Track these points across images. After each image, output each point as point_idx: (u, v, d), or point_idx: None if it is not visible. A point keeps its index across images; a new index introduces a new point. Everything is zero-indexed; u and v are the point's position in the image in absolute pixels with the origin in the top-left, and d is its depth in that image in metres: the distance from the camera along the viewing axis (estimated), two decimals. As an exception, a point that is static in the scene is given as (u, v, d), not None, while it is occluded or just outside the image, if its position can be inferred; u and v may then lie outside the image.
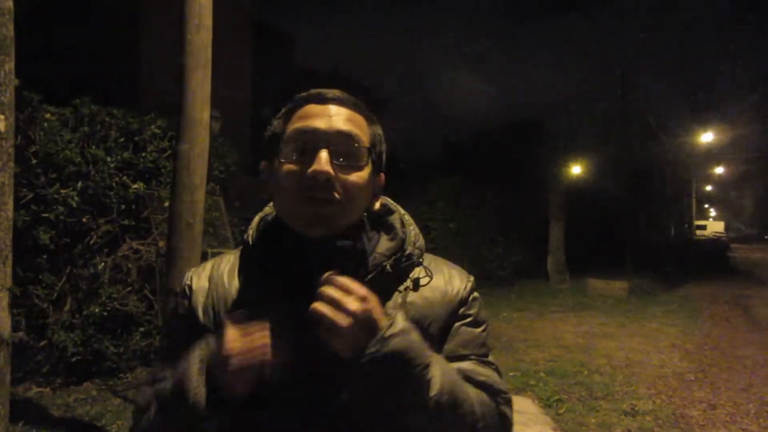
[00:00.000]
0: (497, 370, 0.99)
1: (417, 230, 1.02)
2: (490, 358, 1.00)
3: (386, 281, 0.93)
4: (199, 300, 0.99)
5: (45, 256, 4.90)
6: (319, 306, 0.77)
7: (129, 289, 5.38)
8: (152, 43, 11.01)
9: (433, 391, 0.81)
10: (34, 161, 4.80)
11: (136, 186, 5.38)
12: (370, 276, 0.91)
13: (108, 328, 5.19)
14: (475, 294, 1.03)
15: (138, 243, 5.44)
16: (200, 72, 3.26)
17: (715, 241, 30.00)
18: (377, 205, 0.99)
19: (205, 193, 3.37)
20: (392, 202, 1.06)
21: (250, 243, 0.99)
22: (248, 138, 13.31)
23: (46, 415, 4.27)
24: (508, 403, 0.97)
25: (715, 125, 22.43)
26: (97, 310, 5.05)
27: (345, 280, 0.80)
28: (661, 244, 20.00)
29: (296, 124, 0.91)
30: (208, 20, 3.29)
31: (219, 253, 4.68)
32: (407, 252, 0.97)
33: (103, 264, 5.22)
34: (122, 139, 5.45)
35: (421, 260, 0.99)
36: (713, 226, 47.00)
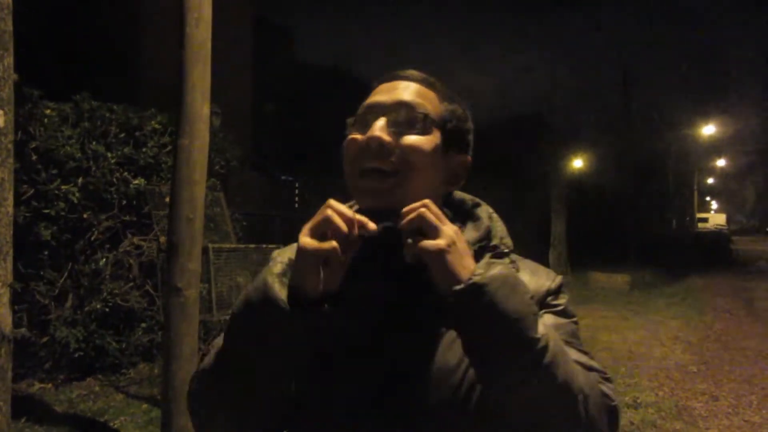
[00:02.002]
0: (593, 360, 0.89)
1: (504, 227, 0.97)
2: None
3: None
4: None
5: (46, 252, 4.91)
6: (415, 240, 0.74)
7: (130, 284, 5.38)
8: (152, 38, 10.99)
9: (539, 333, 0.72)
10: (34, 157, 4.80)
11: (136, 181, 5.38)
12: None
13: (110, 324, 5.20)
14: (563, 290, 0.97)
15: (139, 239, 5.44)
16: (200, 66, 3.24)
17: (717, 234, 29.97)
18: (466, 197, 0.98)
19: (205, 188, 3.36)
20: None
21: None
22: (249, 133, 13.26)
23: (49, 411, 4.28)
24: (608, 381, 0.86)
25: (716, 117, 22.33)
26: (98, 306, 5.05)
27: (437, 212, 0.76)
28: (663, 237, 19.98)
29: (365, 102, 0.92)
30: (207, 14, 3.27)
31: (220, 249, 4.61)
32: (492, 243, 0.92)
33: (104, 260, 5.22)
34: (123, 135, 5.44)
35: (507, 251, 0.92)
36: (715, 218, 47.07)
